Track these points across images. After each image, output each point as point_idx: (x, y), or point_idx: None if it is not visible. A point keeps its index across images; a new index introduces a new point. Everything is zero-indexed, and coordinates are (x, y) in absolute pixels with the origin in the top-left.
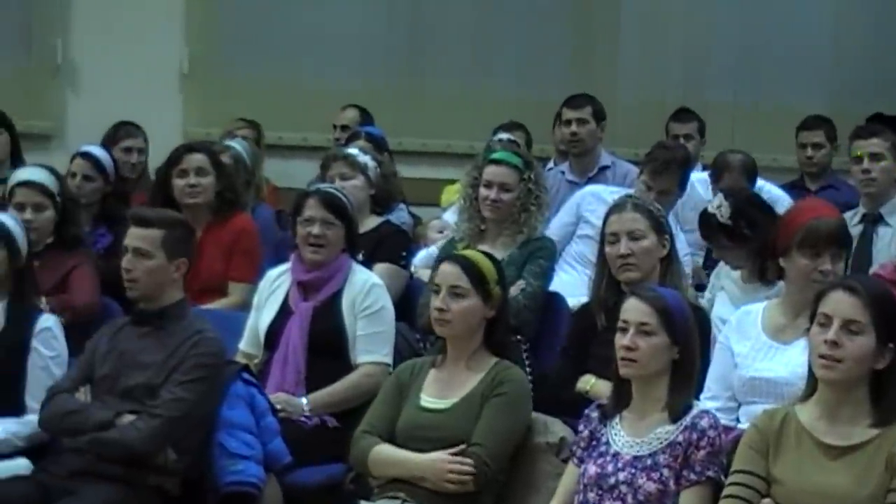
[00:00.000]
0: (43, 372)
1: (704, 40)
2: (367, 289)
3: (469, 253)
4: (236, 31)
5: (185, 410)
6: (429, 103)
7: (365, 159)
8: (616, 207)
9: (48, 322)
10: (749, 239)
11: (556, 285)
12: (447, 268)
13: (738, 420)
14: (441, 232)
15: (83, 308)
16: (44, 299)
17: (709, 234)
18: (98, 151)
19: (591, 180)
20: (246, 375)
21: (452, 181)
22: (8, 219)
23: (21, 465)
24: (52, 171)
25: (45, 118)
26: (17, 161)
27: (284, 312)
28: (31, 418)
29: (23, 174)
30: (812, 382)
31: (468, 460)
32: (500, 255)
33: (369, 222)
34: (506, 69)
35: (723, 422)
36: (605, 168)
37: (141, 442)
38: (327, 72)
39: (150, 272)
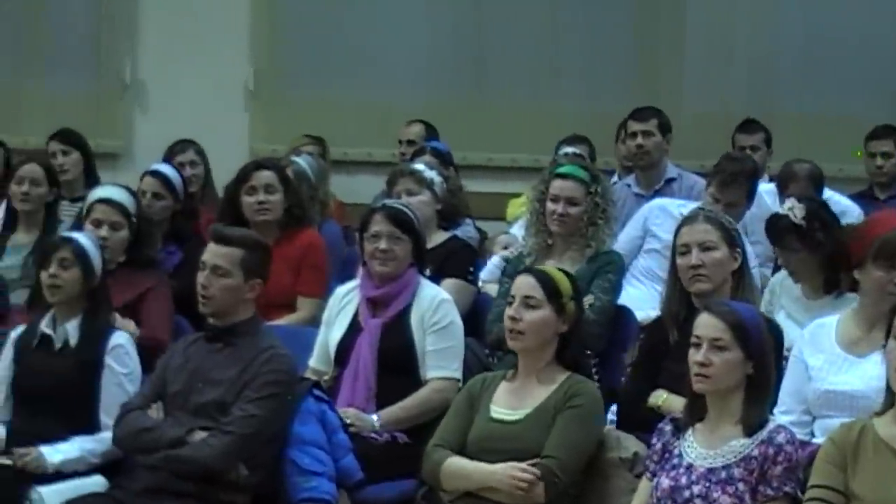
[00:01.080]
0: (117, 388)
1: (770, 50)
2: (435, 304)
3: (546, 267)
4: (301, 47)
5: (257, 427)
6: (494, 117)
7: (431, 174)
8: (688, 219)
9: (121, 339)
10: (821, 244)
11: (623, 300)
12: (522, 279)
13: (812, 434)
14: (507, 247)
15: (154, 344)
16: (117, 316)
17: (778, 237)
18: (167, 170)
19: (657, 193)
20: (317, 392)
21: (518, 195)
22: (84, 238)
23: (96, 483)
24: (130, 191)
25: (113, 137)
26: (91, 180)
27: (354, 329)
28: (106, 435)
29: (103, 192)
30: (890, 396)
31: (534, 470)
32: (567, 269)
33: (436, 238)
34: (570, 82)
35: (797, 436)
36: (671, 180)
37: (213, 458)
38: (392, 87)
39: (225, 290)
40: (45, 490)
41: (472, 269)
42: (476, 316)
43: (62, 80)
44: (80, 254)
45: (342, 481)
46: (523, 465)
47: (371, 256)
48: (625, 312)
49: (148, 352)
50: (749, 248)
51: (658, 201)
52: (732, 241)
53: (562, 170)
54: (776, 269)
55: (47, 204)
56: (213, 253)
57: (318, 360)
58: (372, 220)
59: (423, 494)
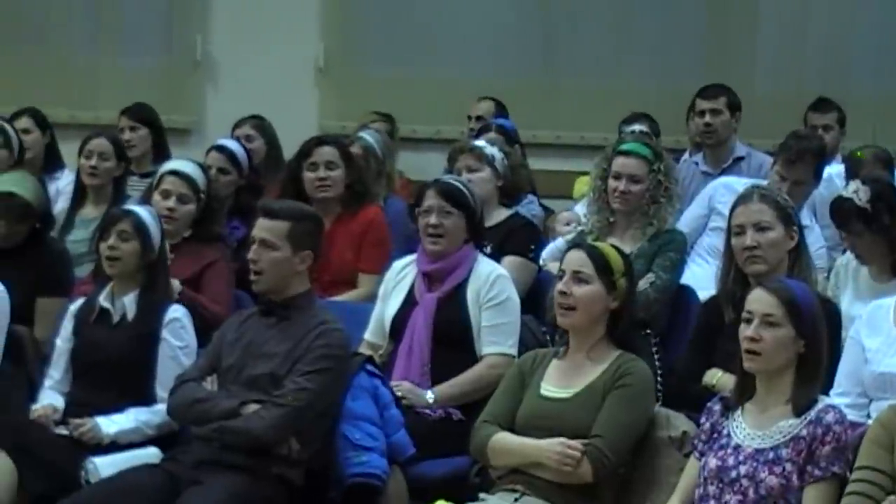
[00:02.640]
0: (172, 362)
1: (846, 29)
2: (491, 280)
3: (598, 243)
4: (371, 25)
5: (309, 400)
6: (562, 95)
7: (492, 151)
8: (742, 198)
9: (177, 313)
10: (887, 227)
11: (687, 278)
12: (573, 254)
13: (868, 416)
14: (568, 224)
15: (211, 318)
16: (177, 283)
17: (842, 220)
18: (233, 145)
19: (725, 171)
20: (370, 367)
21: (585, 173)
22: (144, 212)
23: (151, 454)
24: (201, 167)
25: (185, 113)
26: (160, 156)
27: (409, 303)
28: (161, 407)
29: (174, 164)
30: None
31: (580, 446)
32: (629, 248)
33: (498, 215)
34: (640, 60)
35: (853, 418)
36: (739, 159)
37: (265, 431)
38: (461, 65)
39: (274, 263)
40: (100, 460)
41: (533, 246)
42: (537, 294)
43: (135, 57)
44: (140, 227)
45: (394, 457)
46: (571, 441)
47: (423, 232)
48: (686, 291)
49: (205, 325)
50: (815, 229)
51: (723, 179)
52: (788, 219)
53: (624, 147)
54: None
55: (115, 178)
56: (260, 227)
57: (372, 334)
58: (425, 195)
59: (476, 471)
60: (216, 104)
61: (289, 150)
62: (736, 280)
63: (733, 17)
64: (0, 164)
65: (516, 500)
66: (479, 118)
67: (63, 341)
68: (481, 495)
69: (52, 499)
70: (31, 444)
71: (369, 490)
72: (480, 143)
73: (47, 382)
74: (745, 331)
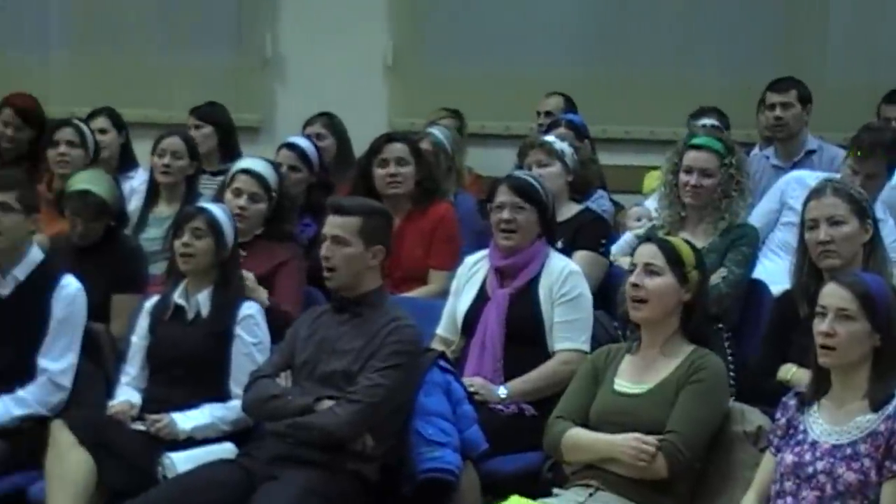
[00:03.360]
0: (246, 358)
1: None
2: (564, 275)
3: (669, 237)
4: (439, 21)
5: (383, 396)
6: (632, 90)
7: (562, 146)
8: (815, 192)
9: (251, 310)
10: None
11: (759, 273)
12: (644, 247)
13: None
14: (639, 219)
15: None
16: (251, 276)
17: None
18: (303, 143)
19: (796, 165)
20: (442, 363)
21: (655, 168)
22: (218, 210)
23: (227, 449)
24: (274, 166)
25: (254, 111)
26: (228, 154)
27: (482, 299)
28: (235, 403)
29: (247, 163)
30: None
31: (655, 441)
32: (700, 242)
33: (568, 210)
34: (710, 54)
35: None
36: (811, 152)
37: (339, 427)
38: (530, 61)
39: (347, 260)
40: (176, 456)
41: (604, 241)
42: (608, 289)
43: (206, 56)
44: (213, 224)
45: (467, 452)
46: (645, 436)
47: (496, 227)
48: (759, 286)
49: (277, 323)
50: (889, 222)
51: (795, 173)
52: (862, 212)
53: (696, 141)
54: None
55: (188, 177)
56: (331, 224)
57: (445, 329)
58: (497, 190)
59: (548, 467)
60: (286, 102)
61: (359, 148)
62: (810, 274)
63: (804, 7)
64: (75, 163)
65: (590, 495)
66: (548, 114)
67: (139, 338)
68: (555, 491)
69: (131, 494)
70: (109, 441)
71: (442, 485)
72: (550, 138)
73: (124, 379)
74: (820, 325)
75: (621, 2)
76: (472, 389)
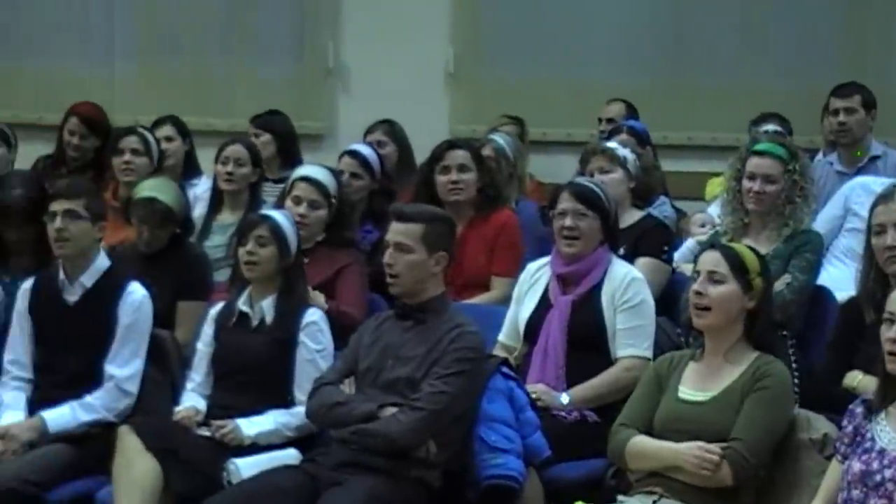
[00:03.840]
0: (310, 365)
1: None
2: (626, 282)
3: (732, 243)
4: (500, 29)
5: (446, 403)
6: (693, 96)
7: (624, 152)
8: (883, 197)
9: (315, 316)
10: None
11: (823, 280)
12: (708, 254)
13: None
14: (703, 226)
15: (346, 321)
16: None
17: None
18: (365, 150)
19: (860, 171)
20: (505, 370)
21: (717, 174)
22: (281, 217)
23: (291, 455)
24: (333, 173)
25: (317, 119)
26: (289, 162)
27: (544, 305)
28: (300, 409)
29: (306, 170)
30: None
31: (719, 450)
32: (764, 249)
33: (630, 216)
34: (772, 59)
35: None
36: (875, 158)
37: (402, 434)
38: (592, 68)
39: (410, 266)
40: (241, 461)
41: (666, 247)
42: (670, 296)
43: (269, 65)
44: (277, 232)
45: (530, 459)
46: (709, 445)
47: (559, 234)
48: (824, 293)
49: (340, 329)
50: None
51: (860, 179)
52: None
53: (759, 147)
54: None
55: (251, 184)
56: (394, 231)
57: (507, 336)
58: (560, 197)
59: (612, 474)
60: (348, 110)
61: (420, 155)
62: (877, 280)
63: (867, 11)
64: (140, 171)
65: (654, 502)
66: (609, 120)
67: (204, 345)
68: (619, 498)
69: (197, 499)
70: (175, 446)
71: (506, 492)
72: (612, 144)
73: (189, 385)
74: (887, 332)
75: (682, 7)
76: (534, 396)
